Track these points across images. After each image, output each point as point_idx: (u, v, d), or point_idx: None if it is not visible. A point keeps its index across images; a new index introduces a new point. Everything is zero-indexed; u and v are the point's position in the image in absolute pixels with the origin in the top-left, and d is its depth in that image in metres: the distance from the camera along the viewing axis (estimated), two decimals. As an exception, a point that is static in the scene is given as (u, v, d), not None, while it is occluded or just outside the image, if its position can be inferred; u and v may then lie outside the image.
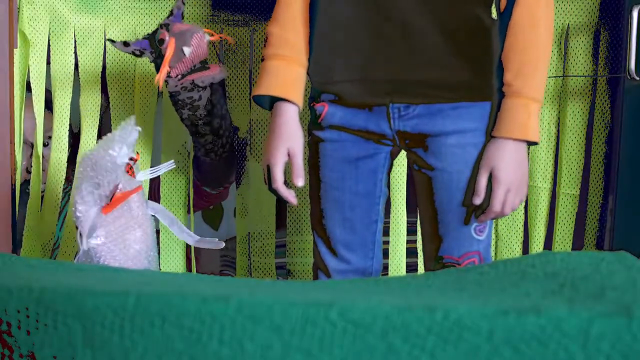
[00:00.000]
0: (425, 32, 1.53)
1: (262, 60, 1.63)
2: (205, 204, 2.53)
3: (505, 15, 1.55)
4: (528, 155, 1.63)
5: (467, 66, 1.54)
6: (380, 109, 1.58)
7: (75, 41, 2.16)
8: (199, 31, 1.85)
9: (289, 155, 1.59)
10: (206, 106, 1.92)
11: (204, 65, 1.88)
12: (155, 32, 1.88)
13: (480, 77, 1.56)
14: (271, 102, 1.62)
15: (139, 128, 1.60)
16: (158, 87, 1.87)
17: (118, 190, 1.60)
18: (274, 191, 1.61)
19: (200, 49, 1.84)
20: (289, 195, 1.60)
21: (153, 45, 1.87)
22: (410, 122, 1.58)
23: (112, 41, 1.92)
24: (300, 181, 1.58)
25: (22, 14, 2.11)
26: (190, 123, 1.97)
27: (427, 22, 1.53)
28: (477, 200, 1.56)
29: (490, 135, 1.57)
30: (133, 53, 1.90)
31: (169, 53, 1.82)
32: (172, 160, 1.74)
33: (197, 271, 2.48)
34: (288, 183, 1.61)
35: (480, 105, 1.57)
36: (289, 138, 1.59)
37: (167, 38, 1.84)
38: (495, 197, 1.55)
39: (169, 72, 1.85)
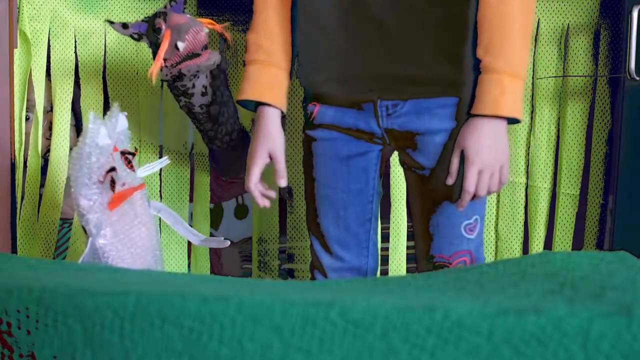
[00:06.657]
0: (401, 28, 1.53)
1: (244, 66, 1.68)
2: (227, 196, 2.51)
3: None
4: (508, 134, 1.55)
5: (447, 60, 1.54)
6: (368, 107, 1.59)
7: (75, 41, 2.16)
8: (196, 25, 1.80)
9: (270, 157, 1.63)
10: (202, 93, 1.90)
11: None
12: (154, 16, 1.84)
13: (460, 70, 1.55)
14: (256, 107, 1.66)
15: (124, 113, 1.59)
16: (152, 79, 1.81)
17: (122, 187, 1.59)
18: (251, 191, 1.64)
19: (195, 42, 1.80)
20: (258, 197, 1.63)
21: (150, 31, 1.84)
22: (397, 120, 1.58)
23: (111, 22, 1.88)
24: (282, 182, 1.63)
25: (22, 13, 2.11)
26: (187, 110, 1.95)
27: (403, 19, 1.53)
28: (450, 181, 1.54)
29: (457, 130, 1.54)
30: (131, 36, 1.88)
31: (163, 46, 1.78)
32: (166, 157, 1.74)
33: (218, 268, 2.48)
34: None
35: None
36: (268, 140, 1.63)
37: (163, 28, 1.80)
38: (466, 177, 1.51)
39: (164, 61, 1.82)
